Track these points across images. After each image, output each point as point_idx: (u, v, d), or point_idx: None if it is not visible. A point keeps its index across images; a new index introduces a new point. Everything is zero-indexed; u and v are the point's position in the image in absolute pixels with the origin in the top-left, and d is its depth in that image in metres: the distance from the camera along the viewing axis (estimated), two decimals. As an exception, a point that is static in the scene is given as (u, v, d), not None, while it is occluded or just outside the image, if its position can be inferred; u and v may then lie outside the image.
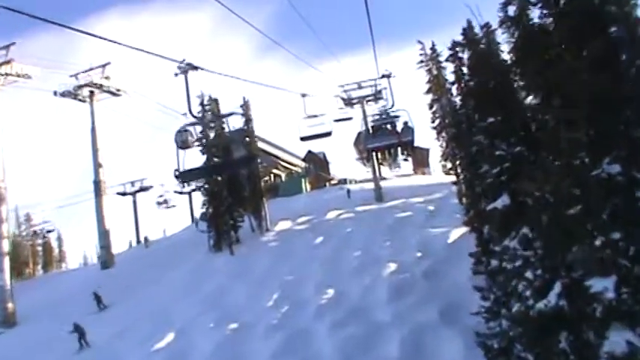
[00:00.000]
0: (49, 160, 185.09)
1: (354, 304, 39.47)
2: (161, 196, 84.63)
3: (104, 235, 63.92)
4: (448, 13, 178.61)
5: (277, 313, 40.72)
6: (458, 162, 50.86)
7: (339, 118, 66.16)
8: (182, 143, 43.56)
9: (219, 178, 59.19)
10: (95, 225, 64.98)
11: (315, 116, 61.81)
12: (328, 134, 62.07)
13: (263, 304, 42.55)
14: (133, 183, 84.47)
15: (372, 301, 39.56)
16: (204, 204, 59.25)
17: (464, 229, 44.68)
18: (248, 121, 64.03)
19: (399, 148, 65.02)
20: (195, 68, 34.74)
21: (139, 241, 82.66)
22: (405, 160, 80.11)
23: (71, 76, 64.82)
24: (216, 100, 61.37)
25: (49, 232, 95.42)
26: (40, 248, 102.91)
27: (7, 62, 55.49)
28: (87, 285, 57.17)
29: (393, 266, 43.48)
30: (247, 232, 60.45)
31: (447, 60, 42.79)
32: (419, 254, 44.78)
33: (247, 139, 62.32)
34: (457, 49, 38.88)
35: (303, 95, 62.65)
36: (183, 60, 34.79)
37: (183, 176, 43.46)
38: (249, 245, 56.89)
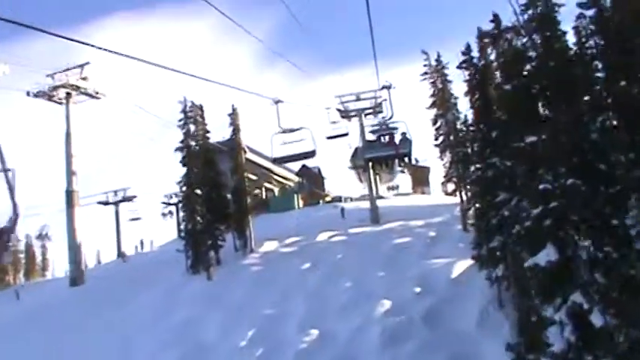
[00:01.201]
0: (25, 165, 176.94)
1: (341, 351, 33.60)
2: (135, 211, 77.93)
3: (75, 250, 57.04)
4: (452, 29, 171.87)
5: (250, 357, 34.20)
6: (467, 185, 45.13)
7: (333, 135, 59.97)
8: None
9: (199, 192, 52.52)
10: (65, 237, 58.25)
11: (293, 130, 56.40)
12: (311, 154, 57.27)
13: (236, 343, 36.87)
14: (115, 192, 77.78)
15: (362, 347, 33.58)
16: (183, 220, 52.39)
17: (469, 262, 38.15)
18: (236, 130, 57.20)
19: (397, 160, 63.09)
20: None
21: (119, 255, 75.83)
22: (402, 172, 77.75)
23: (47, 75, 58.10)
24: (200, 107, 54.82)
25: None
26: (22, 255, 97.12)
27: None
28: (50, 304, 50.71)
29: (387, 304, 36.77)
30: (230, 251, 53.80)
31: (459, 67, 35.74)
32: (418, 290, 38.13)
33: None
34: (471, 54, 32.39)
35: (277, 102, 56.76)
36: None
37: None
38: (230, 268, 50.22)
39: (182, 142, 52.80)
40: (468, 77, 34.74)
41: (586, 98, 20.88)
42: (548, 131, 18.12)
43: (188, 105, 53.30)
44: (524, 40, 23.28)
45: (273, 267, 48.17)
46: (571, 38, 24.54)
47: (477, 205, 34.83)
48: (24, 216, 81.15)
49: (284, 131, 55.85)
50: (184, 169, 52.50)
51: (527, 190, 19.73)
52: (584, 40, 24.28)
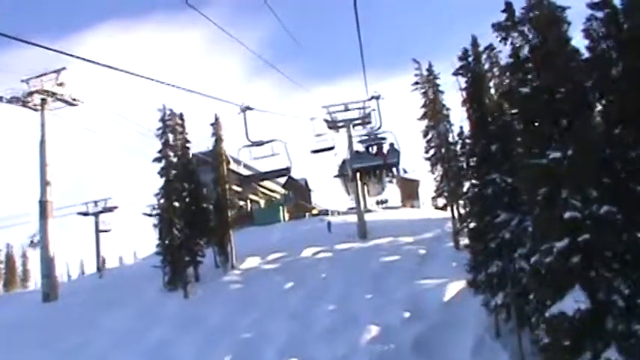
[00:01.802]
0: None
1: (322, 382, 29.81)
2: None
3: (47, 263, 53.55)
4: (443, 40, 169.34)
5: (225, 386, 31.07)
6: (459, 201, 42.37)
7: (318, 149, 56.97)
8: None
9: (177, 204, 49.28)
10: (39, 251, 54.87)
11: (263, 143, 54.80)
12: (285, 171, 57.00)
13: (211, 369, 32.93)
14: (96, 203, 74.08)
15: (345, 379, 29.87)
16: (159, 233, 48.97)
17: (462, 283, 35.09)
18: (218, 140, 53.98)
19: (385, 171, 62.06)
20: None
21: (98, 268, 72.17)
22: (390, 182, 74.96)
23: (22, 81, 54.68)
24: (180, 115, 51.60)
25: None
26: (2, 266, 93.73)
27: None
28: (17, 322, 47.13)
29: (374, 330, 33.53)
30: (210, 267, 50.75)
31: (456, 73, 32.51)
32: (407, 315, 34.94)
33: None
34: (469, 59, 29.25)
35: (245, 109, 54.58)
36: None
37: None
38: (209, 285, 47.14)
39: (160, 151, 49.58)
40: (464, 85, 31.58)
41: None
42: (575, 145, 14.90)
43: (167, 113, 50.09)
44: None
45: (255, 285, 45.00)
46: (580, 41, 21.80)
47: (473, 225, 31.62)
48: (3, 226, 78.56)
49: (253, 144, 54.24)
50: (162, 181, 49.32)
51: (546, 217, 16.39)
52: (595, 43, 21.32)
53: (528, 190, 18.07)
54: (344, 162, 66.74)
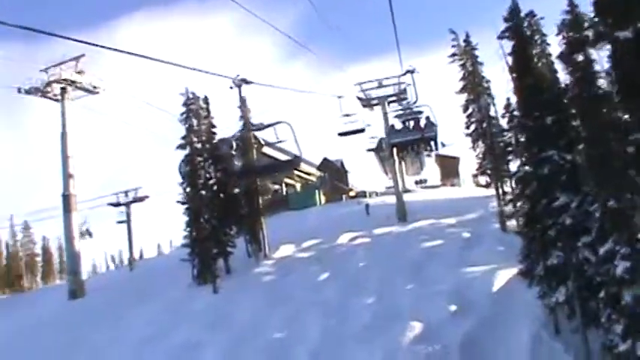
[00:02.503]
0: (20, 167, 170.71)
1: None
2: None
3: (73, 259, 50.77)
4: (479, 15, 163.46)
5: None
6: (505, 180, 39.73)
7: (346, 131, 52.93)
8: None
9: (203, 193, 46.00)
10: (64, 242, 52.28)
11: (267, 126, 51.68)
12: (294, 163, 54.97)
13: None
14: (126, 193, 71.36)
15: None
16: (187, 225, 45.69)
17: (512, 271, 31.22)
18: (246, 123, 50.52)
19: (423, 145, 58.33)
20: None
21: (129, 261, 69.53)
22: (428, 155, 71.15)
23: (41, 70, 51.81)
24: (205, 99, 48.23)
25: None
26: (39, 259, 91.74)
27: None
28: (43, 320, 44.83)
29: (417, 327, 29.57)
30: (242, 258, 47.42)
31: (501, 36, 28.08)
32: (453, 308, 30.81)
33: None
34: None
35: (240, 83, 49.82)
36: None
37: None
38: (240, 277, 43.81)
39: (184, 137, 46.28)
40: (512, 49, 27.34)
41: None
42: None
43: (189, 97, 46.71)
44: None
45: (288, 277, 41.61)
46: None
47: (525, 207, 27.65)
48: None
49: (258, 128, 50.75)
50: (187, 168, 46.09)
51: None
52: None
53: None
54: (380, 141, 63.14)
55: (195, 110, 46.81)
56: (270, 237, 48.84)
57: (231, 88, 49.46)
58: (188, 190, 45.91)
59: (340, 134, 53.70)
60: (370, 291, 35.40)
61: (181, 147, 46.14)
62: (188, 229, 45.52)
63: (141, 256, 73.78)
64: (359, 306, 33.76)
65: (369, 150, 56.30)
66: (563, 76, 24.48)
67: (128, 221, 70.18)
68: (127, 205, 70.73)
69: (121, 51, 12.79)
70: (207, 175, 47.36)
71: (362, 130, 54.25)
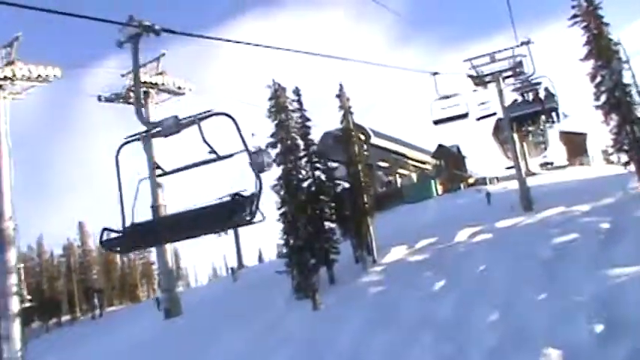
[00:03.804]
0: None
1: None
2: None
3: (166, 276, 46.51)
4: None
5: None
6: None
7: (442, 118, 44.84)
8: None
9: (303, 197, 40.75)
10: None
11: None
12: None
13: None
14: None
15: None
16: (284, 233, 40.46)
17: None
18: (346, 114, 44.83)
19: (544, 117, 57.74)
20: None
21: (232, 270, 65.15)
22: (550, 127, 67.38)
23: (122, 75, 47.74)
24: (296, 90, 43.06)
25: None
26: (155, 266, 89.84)
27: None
28: (138, 342, 41.06)
29: (554, 355, 22.88)
30: (348, 264, 41.97)
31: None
32: (599, 328, 23.75)
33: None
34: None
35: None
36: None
37: None
38: (344, 289, 38.42)
39: (273, 135, 41.06)
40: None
41: None
42: None
43: (276, 89, 41.55)
44: None
45: (398, 287, 35.42)
46: None
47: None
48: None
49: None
50: (280, 169, 40.90)
51: None
52: None
53: None
54: (498, 122, 56.37)
55: (282, 103, 41.44)
56: (380, 238, 43.30)
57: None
58: (282, 193, 40.69)
59: (436, 122, 44.74)
60: (493, 303, 28.83)
61: (272, 145, 40.92)
62: (285, 236, 40.30)
63: (241, 264, 69.52)
64: (480, 324, 27.37)
65: (479, 119, 48.46)
66: None
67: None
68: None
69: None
70: (303, 175, 42.03)
71: (465, 116, 44.95)
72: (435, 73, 42.65)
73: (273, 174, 40.81)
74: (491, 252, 36.31)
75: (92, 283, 79.23)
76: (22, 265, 67.62)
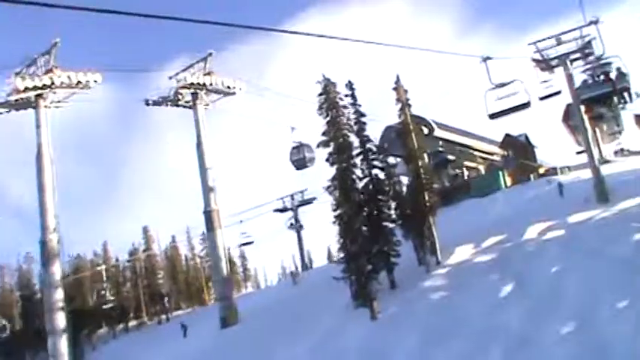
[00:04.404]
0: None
1: None
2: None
3: (222, 283, 44.43)
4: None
5: None
6: None
7: (498, 111, 40.64)
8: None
9: (361, 196, 38.05)
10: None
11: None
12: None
13: None
14: (292, 196, 64.96)
15: None
16: (340, 237, 37.72)
17: None
18: (404, 107, 41.75)
19: (617, 98, 55.06)
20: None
21: (292, 274, 62.72)
22: (623, 108, 62.90)
23: (170, 77, 45.91)
24: (349, 84, 40.32)
25: (247, 244, 76.33)
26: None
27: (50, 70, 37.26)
28: (189, 354, 39.35)
29: (640, 375, 19.62)
30: (412, 265, 38.98)
31: None
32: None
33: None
34: None
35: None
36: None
37: None
38: (405, 294, 35.65)
39: (324, 133, 38.41)
40: None
41: None
42: None
43: (326, 84, 38.93)
44: None
45: (462, 292, 32.38)
46: None
47: None
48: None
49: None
50: (333, 169, 38.20)
51: None
52: None
53: None
54: (568, 107, 52.61)
55: (332, 99, 38.74)
56: (444, 236, 40.27)
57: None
58: (337, 194, 37.97)
59: (492, 116, 40.32)
60: (567, 313, 25.60)
61: (324, 144, 38.30)
62: (341, 240, 37.57)
63: (310, 264, 67.22)
64: (553, 337, 24.28)
65: (542, 98, 44.11)
66: None
67: (297, 227, 63.79)
68: (294, 209, 64.39)
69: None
70: (359, 174, 39.31)
71: (526, 105, 40.01)
72: (488, 58, 39.20)
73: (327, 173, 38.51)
74: (564, 250, 32.84)
75: (158, 287, 78.11)
76: (104, 266, 67.37)
